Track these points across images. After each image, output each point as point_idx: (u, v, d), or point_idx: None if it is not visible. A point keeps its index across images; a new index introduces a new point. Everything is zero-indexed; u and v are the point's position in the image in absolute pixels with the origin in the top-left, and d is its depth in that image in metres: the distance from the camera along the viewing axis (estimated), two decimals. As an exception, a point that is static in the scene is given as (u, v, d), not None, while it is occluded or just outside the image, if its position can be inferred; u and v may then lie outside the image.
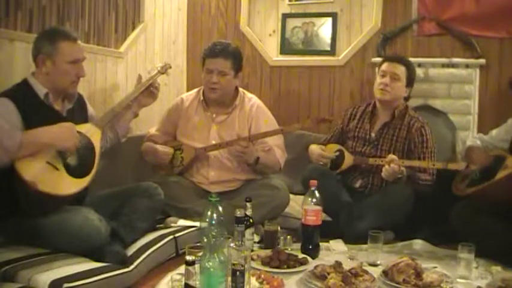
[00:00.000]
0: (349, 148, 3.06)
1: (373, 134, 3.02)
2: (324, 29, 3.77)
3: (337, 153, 3.05)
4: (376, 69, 3.21)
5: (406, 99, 3.06)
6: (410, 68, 3.02)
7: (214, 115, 3.01)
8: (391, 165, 2.69)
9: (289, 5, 3.86)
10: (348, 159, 3.01)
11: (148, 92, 2.68)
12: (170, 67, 2.85)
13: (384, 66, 3.02)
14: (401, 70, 2.98)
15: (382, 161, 2.79)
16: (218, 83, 2.90)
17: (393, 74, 2.96)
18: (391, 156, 2.75)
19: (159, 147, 2.93)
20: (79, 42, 2.33)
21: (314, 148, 3.06)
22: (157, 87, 2.70)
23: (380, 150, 2.95)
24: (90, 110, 2.56)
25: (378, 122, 3.04)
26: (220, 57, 2.90)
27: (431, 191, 2.85)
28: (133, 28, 3.46)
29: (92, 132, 2.31)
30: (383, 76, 2.98)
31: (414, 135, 2.91)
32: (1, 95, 2.16)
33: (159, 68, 2.80)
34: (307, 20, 3.82)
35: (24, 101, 2.16)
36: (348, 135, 3.11)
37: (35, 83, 2.24)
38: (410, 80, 3.01)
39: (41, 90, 2.23)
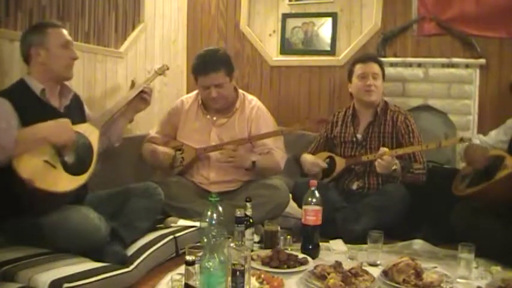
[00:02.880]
0: (338, 154, 3.08)
1: (359, 136, 3.05)
2: (324, 29, 3.78)
3: (328, 160, 3.08)
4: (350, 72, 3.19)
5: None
6: (381, 64, 3.12)
7: (214, 118, 3.00)
8: (384, 157, 2.71)
9: (289, 5, 3.86)
10: (340, 163, 3.03)
11: (139, 97, 2.67)
12: (168, 68, 2.85)
13: (361, 68, 3.07)
14: (377, 68, 3.07)
15: (374, 156, 2.81)
16: (218, 95, 2.89)
17: (374, 74, 3.04)
18: (383, 149, 2.79)
19: (160, 148, 2.92)
20: (64, 30, 2.36)
21: (307, 157, 3.07)
22: (148, 93, 2.69)
23: (369, 150, 2.98)
24: (87, 110, 2.57)
25: (362, 123, 3.09)
26: (212, 72, 2.84)
27: (429, 187, 2.88)
28: (134, 28, 3.46)
29: (89, 131, 2.32)
30: (363, 78, 3.04)
31: (400, 128, 2.98)
32: None
33: (156, 69, 2.80)
34: (307, 20, 3.82)
35: (21, 99, 2.17)
36: (334, 142, 3.14)
37: (31, 81, 2.26)
38: (384, 76, 3.12)
39: (36, 87, 2.25)
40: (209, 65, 2.86)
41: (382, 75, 3.08)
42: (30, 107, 2.18)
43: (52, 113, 2.26)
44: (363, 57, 3.23)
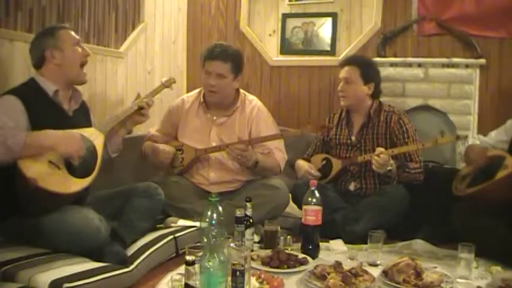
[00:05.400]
0: (334, 156, 3.08)
1: (353, 138, 3.04)
2: (324, 29, 3.78)
3: (324, 162, 3.07)
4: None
5: (375, 95, 3.06)
6: (362, 65, 3.03)
7: (214, 117, 3.00)
8: (381, 155, 2.71)
9: (289, 5, 3.87)
10: (336, 165, 3.02)
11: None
12: (175, 81, 2.85)
13: (340, 73, 3.06)
14: (352, 71, 3.01)
15: (370, 156, 2.80)
16: (216, 86, 2.89)
17: (345, 79, 3.02)
18: (379, 149, 2.77)
19: (161, 146, 2.92)
20: (72, 31, 2.39)
21: (302, 164, 3.06)
22: (150, 105, 2.65)
23: (364, 152, 2.97)
24: (91, 117, 2.57)
25: (356, 125, 3.07)
26: (219, 60, 2.87)
27: (429, 187, 2.87)
28: (133, 28, 3.46)
29: (95, 136, 2.32)
30: (340, 83, 3.04)
31: (394, 128, 2.95)
32: (9, 93, 2.18)
33: (163, 81, 2.80)
34: (307, 20, 3.82)
35: (33, 99, 2.18)
36: (330, 145, 3.14)
37: (44, 81, 2.26)
38: (368, 77, 3.01)
39: (50, 88, 2.25)
40: (220, 53, 2.89)
41: (361, 76, 2.98)
42: (41, 108, 2.19)
43: (61, 116, 2.27)
44: (342, 60, 3.19)
